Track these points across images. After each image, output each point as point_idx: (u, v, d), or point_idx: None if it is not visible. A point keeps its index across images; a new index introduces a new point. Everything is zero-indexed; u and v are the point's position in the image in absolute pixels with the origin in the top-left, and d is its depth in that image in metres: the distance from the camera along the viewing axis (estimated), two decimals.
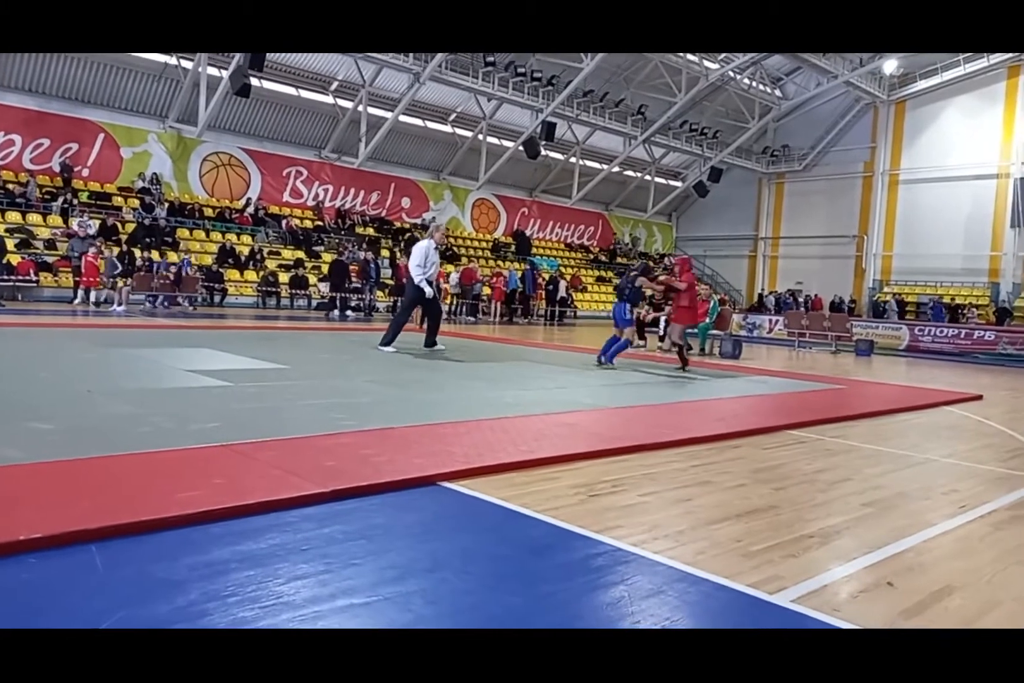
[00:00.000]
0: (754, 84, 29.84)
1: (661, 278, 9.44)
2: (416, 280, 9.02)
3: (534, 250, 28.93)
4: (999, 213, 26.75)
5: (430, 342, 9.44)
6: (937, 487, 3.87)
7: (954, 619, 2.18)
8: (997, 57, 26.32)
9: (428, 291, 9.02)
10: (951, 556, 2.77)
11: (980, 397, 8.00)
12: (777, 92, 31.40)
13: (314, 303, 19.56)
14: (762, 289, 32.32)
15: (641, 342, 12.96)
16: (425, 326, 10.03)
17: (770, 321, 20.23)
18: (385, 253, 22.03)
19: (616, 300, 8.96)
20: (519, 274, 22.61)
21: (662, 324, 12.82)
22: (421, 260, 8.97)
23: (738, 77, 28.16)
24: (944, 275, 27.98)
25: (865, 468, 4.21)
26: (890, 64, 27.77)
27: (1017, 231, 26.28)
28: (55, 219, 17.85)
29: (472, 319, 20.37)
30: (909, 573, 2.55)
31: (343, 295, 17.91)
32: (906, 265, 29.26)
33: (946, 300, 25.62)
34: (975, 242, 27.29)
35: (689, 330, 11.79)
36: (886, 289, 29.54)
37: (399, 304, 12.63)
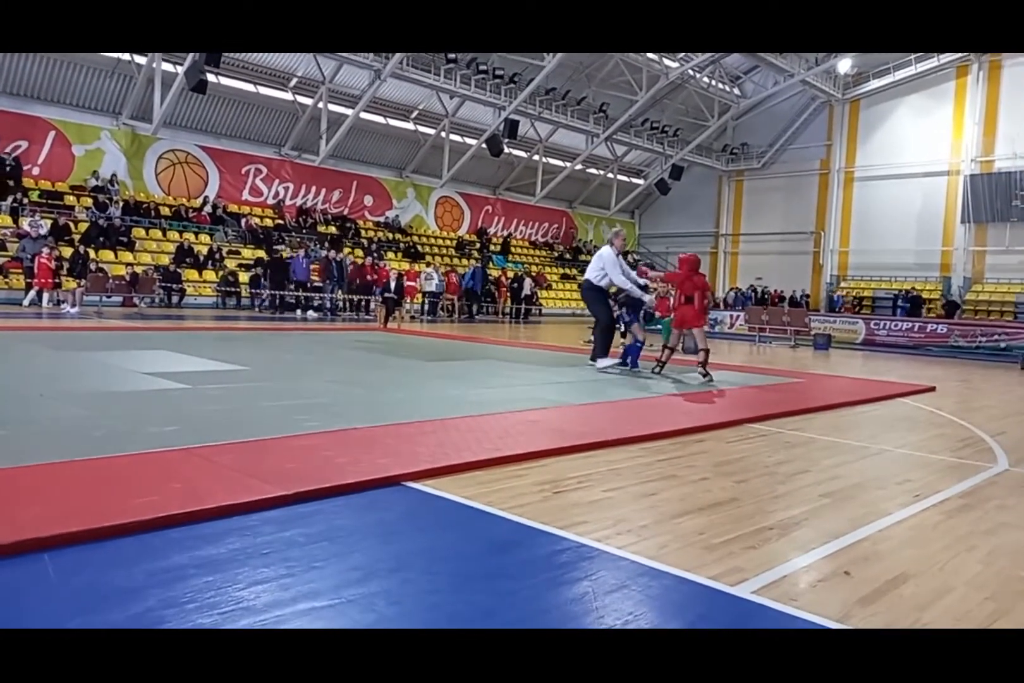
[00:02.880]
0: (713, 82, 30.21)
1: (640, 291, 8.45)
2: (627, 288, 8.42)
3: (496, 248, 28.97)
4: (950, 209, 27.51)
5: (595, 356, 8.59)
6: (892, 477, 3.97)
7: (908, 605, 2.24)
8: (947, 57, 27.05)
9: (646, 297, 8.54)
10: (905, 544, 2.84)
11: (933, 389, 8.23)
12: (736, 91, 31.84)
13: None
14: (734, 286, 32.58)
15: None
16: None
17: (731, 316, 20.54)
18: (347, 251, 21.84)
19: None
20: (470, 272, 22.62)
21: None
22: (617, 270, 8.31)
23: (697, 75, 28.48)
24: (898, 270, 28.69)
25: (823, 460, 4.30)
26: (844, 63, 28.36)
27: (967, 227, 27.06)
28: (4, 219, 17.33)
29: (430, 317, 20.35)
30: (865, 562, 2.61)
31: (305, 295, 17.75)
32: (861, 260, 29.94)
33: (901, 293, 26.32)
34: (927, 237, 28.04)
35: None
36: (843, 284, 30.19)
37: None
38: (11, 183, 18.13)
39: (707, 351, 7.84)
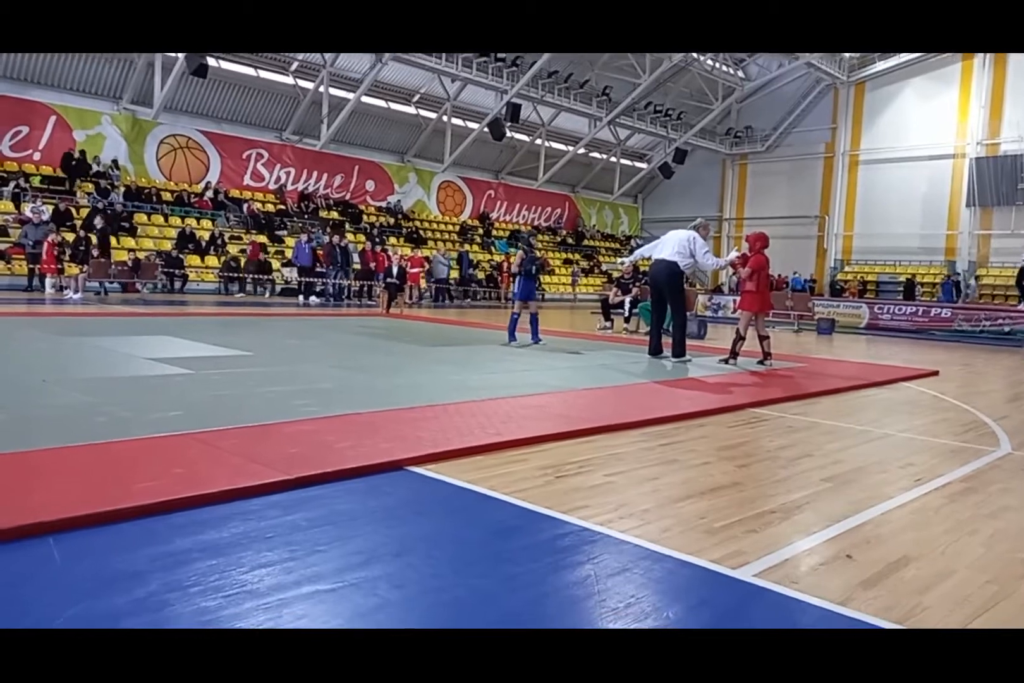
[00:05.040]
0: (717, 65, 29.89)
1: (733, 259, 8.27)
2: (721, 264, 8.52)
3: (499, 233, 28.88)
4: (955, 193, 27.31)
5: (678, 352, 7.99)
6: (894, 461, 3.96)
7: (910, 589, 2.24)
8: None
9: (728, 259, 8.40)
10: (907, 528, 2.84)
11: (936, 373, 8.20)
12: (739, 73, 31.51)
13: (278, 288, 19.29)
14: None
15: (607, 324, 13.04)
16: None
17: (734, 301, 20.43)
18: (351, 237, 21.77)
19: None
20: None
21: (627, 305, 12.89)
22: (711, 253, 8.11)
23: (701, 58, 28.18)
24: (902, 254, 28.55)
25: (825, 444, 4.30)
26: None
27: (972, 210, 26.88)
28: (6, 204, 17.29)
29: (436, 303, 20.33)
30: (867, 545, 2.61)
31: (308, 280, 17.75)
32: (866, 244, 29.78)
33: (902, 278, 26.22)
34: (932, 221, 27.86)
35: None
36: (847, 268, 30.06)
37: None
38: (79, 180, 18.63)
39: (742, 338, 8.03)
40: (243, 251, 19.36)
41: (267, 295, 18.50)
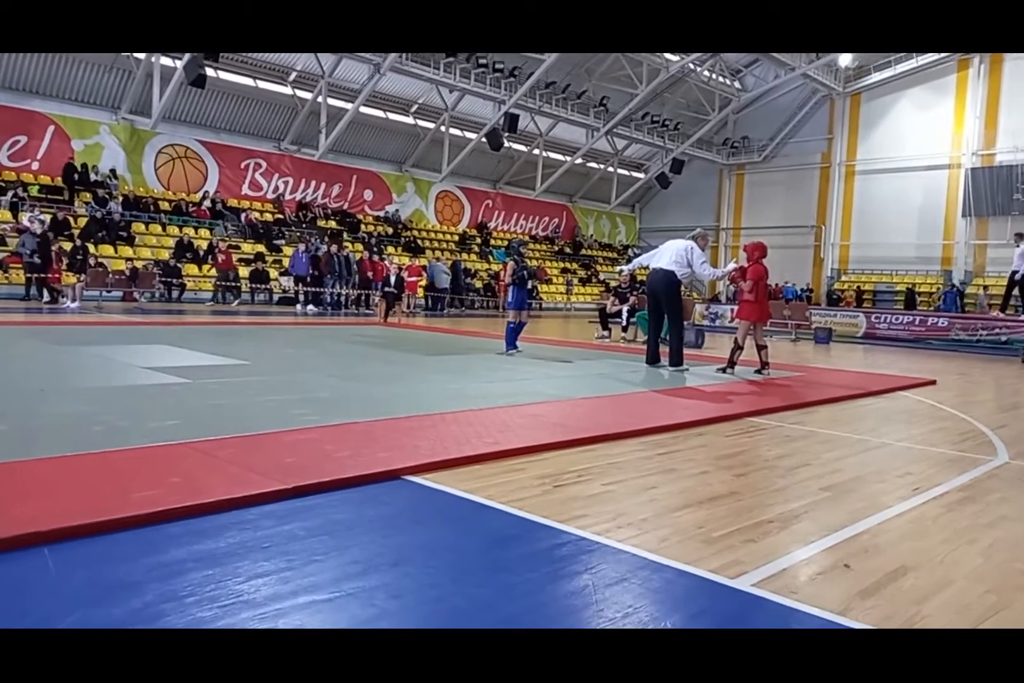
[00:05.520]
0: (714, 76, 30.12)
1: (731, 270, 8.25)
2: (718, 275, 8.60)
3: (497, 242, 28.96)
4: (951, 203, 27.47)
5: (675, 361, 8.01)
6: (892, 470, 3.96)
7: (908, 598, 2.24)
8: None
9: (725, 270, 8.46)
10: (905, 537, 2.84)
11: (934, 382, 8.21)
12: (736, 84, 31.74)
13: (275, 298, 19.31)
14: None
15: (605, 333, 13.05)
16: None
17: (732, 310, 20.49)
18: (349, 246, 21.81)
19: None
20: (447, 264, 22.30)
21: (624, 314, 12.92)
22: (708, 264, 8.14)
23: (698, 69, 28.38)
24: (899, 264, 28.66)
25: (823, 453, 4.30)
26: (845, 57, 28.30)
27: (968, 220, 27.02)
28: (4, 214, 17.30)
29: (433, 312, 20.33)
30: (865, 555, 2.61)
31: (308, 289, 17.76)
32: (862, 254, 29.91)
33: (899, 288, 26.30)
34: (928, 231, 28.01)
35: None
36: (843, 278, 30.16)
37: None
38: (79, 188, 18.84)
39: (740, 348, 8.00)
40: (241, 260, 19.38)
41: (235, 303, 18.10)
